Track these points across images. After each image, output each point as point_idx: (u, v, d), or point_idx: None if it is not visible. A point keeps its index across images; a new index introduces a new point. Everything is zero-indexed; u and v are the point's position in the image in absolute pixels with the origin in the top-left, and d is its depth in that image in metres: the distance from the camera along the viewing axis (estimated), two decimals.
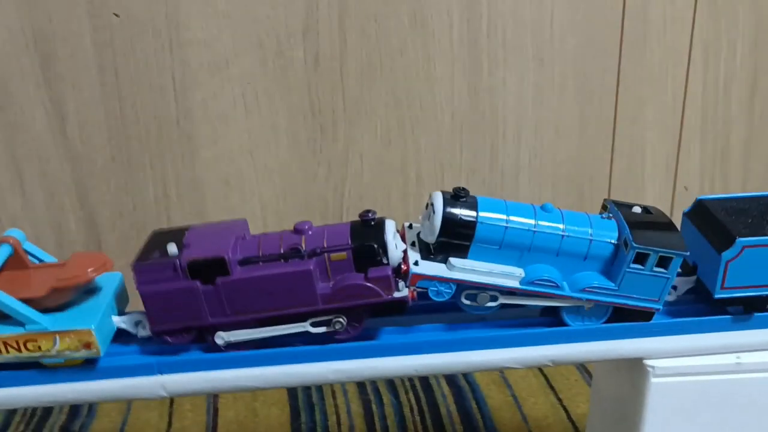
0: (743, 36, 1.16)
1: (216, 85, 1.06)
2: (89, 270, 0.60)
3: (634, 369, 0.65)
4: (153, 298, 0.59)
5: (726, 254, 0.61)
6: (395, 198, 1.17)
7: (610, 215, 0.64)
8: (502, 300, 0.62)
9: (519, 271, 0.61)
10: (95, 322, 0.58)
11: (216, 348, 0.62)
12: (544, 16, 1.10)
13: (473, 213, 0.60)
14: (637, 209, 0.64)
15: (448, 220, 0.59)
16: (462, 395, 1.08)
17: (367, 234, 0.60)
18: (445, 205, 0.60)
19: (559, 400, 1.06)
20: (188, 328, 0.61)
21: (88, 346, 0.58)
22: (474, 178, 1.18)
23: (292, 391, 1.10)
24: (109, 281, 0.64)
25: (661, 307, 0.62)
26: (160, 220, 1.12)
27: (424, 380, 1.11)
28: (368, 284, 0.59)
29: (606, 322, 0.63)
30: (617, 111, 1.18)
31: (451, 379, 1.12)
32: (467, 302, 0.62)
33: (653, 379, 0.63)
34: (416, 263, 0.60)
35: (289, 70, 1.07)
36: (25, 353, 0.59)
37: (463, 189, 0.61)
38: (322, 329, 0.61)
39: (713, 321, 0.64)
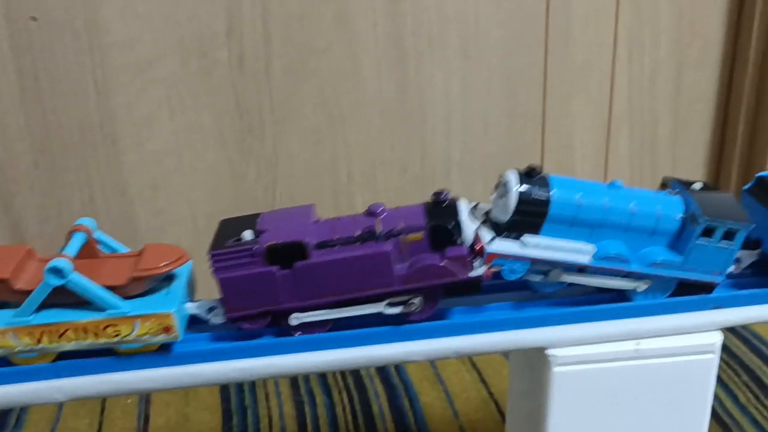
0: (666, 28, 1.17)
1: (139, 88, 1.05)
2: (167, 262, 0.60)
3: (538, 359, 0.65)
4: (231, 284, 0.59)
5: None
6: (327, 197, 1.17)
7: (675, 191, 0.65)
8: (570, 278, 0.62)
9: (591, 247, 0.62)
10: (174, 306, 0.58)
11: (289, 332, 0.62)
12: (468, 10, 1.10)
13: (547, 191, 0.60)
14: (697, 185, 0.65)
15: (523, 199, 0.60)
16: (395, 393, 1.08)
17: (441, 214, 0.60)
18: (518, 182, 0.60)
19: (491, 394, 1.06)
20: (265, 313, 0.61)
21: (167, 330, 0.58)
22: (406, 174, 1.18)
23: (224, 395, 1.09)
24: (180, 270, 0.64)
25: (723, 279, 0.64)
26: None
27: (358, 379, 1.11)
28: (445, 264, 0.59)
29: (670, 296, 0.64)
30: (545, 104, 1.18)
31: (384, 377, 1.11)
32: (537, 279, 0.62)
33: (555, 368, 0.63)
34: (490, 241, 0.61)
35: (213, 71, 1.07)
36: (102, 339, 0.58)
37: (536, 168, 0.61)
38: (398, 309, 0.61)
39: (615, 309, 0.65)
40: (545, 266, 0.62)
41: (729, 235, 0.62)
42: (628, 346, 0.63)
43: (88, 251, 0.62)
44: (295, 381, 1.11)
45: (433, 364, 1.13)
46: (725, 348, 1.15)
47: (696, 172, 1.29)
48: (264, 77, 1.08)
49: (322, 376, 1.12)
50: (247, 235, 0.60)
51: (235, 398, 1.08)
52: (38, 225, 1.09)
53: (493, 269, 0.61)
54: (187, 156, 1.10)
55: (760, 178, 0.68)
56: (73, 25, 1.01)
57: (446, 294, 0.61)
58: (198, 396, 1.08)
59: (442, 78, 1.13)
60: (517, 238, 0.61)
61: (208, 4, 1.03)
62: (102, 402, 1.07)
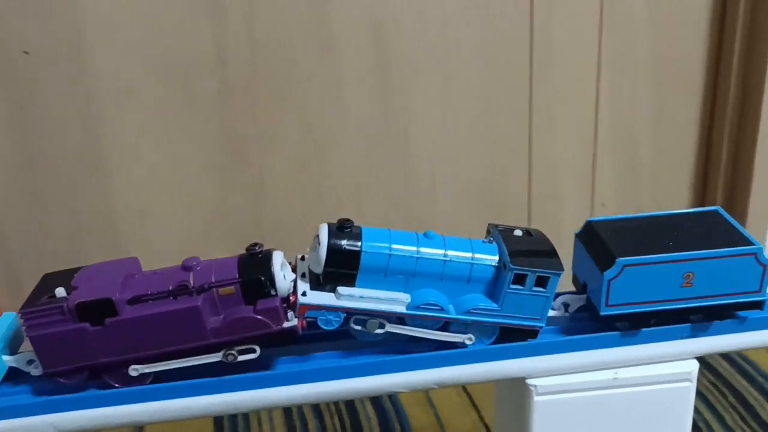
0: (645, 53, 1.19)
1: (124, 115, 1.06)
2: None
3: (520, 388, 0.65)
4: (43, 342, 0.60)
5: (607, 273, 0.63)
6: (313, 223, 1.16)
7: (491, 239, 0.66)
8: (389, 328, 0.63)
9: (405, 297, 0.63)
10: None
11: (108, 385, 0.62)
12: (450, 37, 1.11)
13: (357, 242, 0.62)
14: (518, 232, 0.66)
15: (333, 251, 0.62)
16: (386, 417, 1.08)
17: (254, 266, 0.61)
18: (329, 236, 0.62)
19: (481, 418, 1.07)
20: (81, 368, 0.61)
21: None
22: (391, 198, 1.19)
23: (218, 421, 1.09)
24: (1, 321, 0.64)
25: (543, 325, 0.64)
26: (75, 253, 1.10)
27: (350, 403, 1.11)
28: (257, 316, 0.60)
29: (493, 343, 0.65)
30: (531, 130, 1.19)
31: (376, 401, 1.12)
32: (357, 328, 0.63)
33: (536, 398, 0.64)
34: (304, 293, 0.62)
35: (199, 99, 1.07)
36: None
37: (348, 220, 0.63)
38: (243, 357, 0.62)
39: (596, 338, 0.66)
40: (363, 316, 0.63)
41: (541, 282, 0.62)
42: (607, 375, 0.64)
43: None
44: (287, 407, 1.11)
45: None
46: (712, 369, 1.16)
47: (681, 196, 1.30)
48: (249, 104, 1.09)
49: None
50: (60, 291, 0.60)
51: (228, 423, 1.08)
52: (24, 254, 1.09)
53: (308, 319, 0.62)
54: (173, 183, 1.11)
55: (588, 224, 0.69)
56: (59, 55, 1.01)
57: (265, 345, 0.62)
58: (193, 425, 1.08)
59: (425, 103, 1.14)
60: (333, 289, 0.63)
61: (194, 33, 1.04)
62: None
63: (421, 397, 1.12)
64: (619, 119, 1.22)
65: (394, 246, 0.63)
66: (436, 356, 0.64)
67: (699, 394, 1.09)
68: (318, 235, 0.63)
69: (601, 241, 0.66)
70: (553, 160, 1.22)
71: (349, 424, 1.07)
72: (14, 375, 0.64)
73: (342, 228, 0.63)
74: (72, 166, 1.06)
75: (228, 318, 0.60)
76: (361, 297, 0.62)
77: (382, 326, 0.63)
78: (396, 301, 0.62)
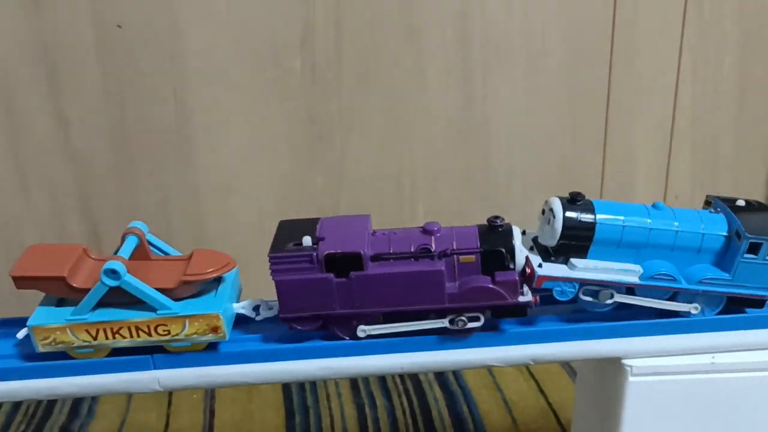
0: (731, 47, 1.18)
1: (214, 94, 1.09)
2: (214, 269, 0.63)
3: (613, 368, 0.66)
4: (287, 287, 0.62)
5: None
6: (390, 205, 1.19)
7: (718, 209, 0.67)
8: (618, 298, 0.64)
9: (637, 268, 0.64)
10: (222, 307, 0.62)
11: (335, 336, 0.64)
12: (535, 27, 1.13)
13: (591, 215, 0.63)
14: (741, 202, 0.67)
15: (569, 223, 0.63)
16: (453, 399, 1.09)
17: (495, 238, 0.62)
18: (564, 209, 0.63)
19: (549, 404, 1.08)
20: (316, 317, 0.63)
21: (215, 330, 0.62)
22: (468, 184, 1.20)
23: (287, 393, 1.12)
24: (226, 274, 0.67)
25: None
26: (160, 225, 1.14)
27: (417, 384, 1.13)
28: (495, 287, 0.61)
29: (719, 314, 0.66)
30: (608, 120, 1.20)
31: (443, 383, 1.13)
32: (587, 299, 0.65)
33: (631, 378, 0.65)
34: (540, 265, 0.64)
35: (286, 79, 1.10)
36: (154, 337, 0.62)
37: (579, 193, 0.64)
38: (457, 325, 0.63)
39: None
40: (594, 287, 0.64)
41: None
42: (705, 359, 0.65)
43: (141, 253, 0.65)
44: (355, 383, 1.13)
45: (490, 371, 1.15)
46: None
47: (756, 191, 1.29)
48: (335, 86, 1.11)
49: (382, 380, 1.14)
50: (307, 240, 0.62)
51: (297, 397, 1.11)
52: (113, 224, 1.13)
53: (542, 293, 0.63)
54: (258, 161, 1.13)
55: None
56: (154, 31, 1.05)
57: (494, 316, 0.64)
58: (261, 393, 1.11)
59: (507, 92, 1.15)
60: (565, 261, 0.64)
61: (284, 14, 1.06)
62: (168, 396, 1.11)
63: (488, 381, 1.13)
64: (700, 113, 1.22)
65: (627, 217, 0.64)
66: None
67: None
68: (551, 209, 0.64)
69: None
70: (629, 152, 1.22)
71: (416, 403, 1.09)
72: (237, 323, 0.66)
73: (574, 200, 0.64)
74: (162, 140, 1.10)
75: (466, 285, 0.62)
76: (596, 268, 0.64)
77: (611, 296, 0.64)
78: (629, 271, 0.64)
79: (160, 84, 1.07)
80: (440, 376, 1.15)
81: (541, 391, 1.11)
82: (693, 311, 0.65)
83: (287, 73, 1.10)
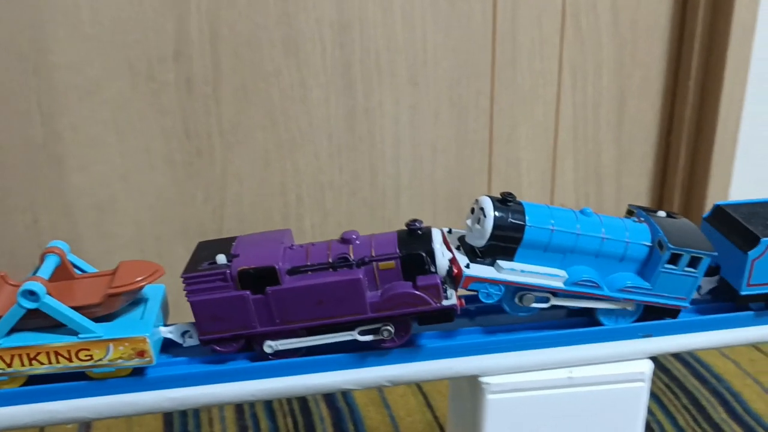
0: (607, 59, 1.20)
1: (85, 109, 1.05)
2: (142, 277, 0.60)
3: (473, 386, 0.66)
4: (203, 308, 0.60)
5: (752, 253, 0.65)
6: (276, 220, 1.17)
7: (641, 219, 0.67)
8: (554, 301, 0.64)
9: (562, 273, 0.64)
10: (149, 330, 0.58)
11: (263, 357, 0.62)
12: (416, 38, 1.12)
13: (523, 217, 0.62)
14: (662, 213, 0.68)
15: (500, 224, 0.62)
16: (340, 417, 1.08)
17: (414, 243, 0.61)
18: (494, 209, 0.62)
19: (436, 418, 1.07)
20: (237, 336, 0.61)
21: (141, 354, 0.58)
22: (355, 198, 1.19)
23: (167, 419, 1.08)
24: (152, 293, 0.64)
25: (688, 305, 0.66)
26: (31, 247, 1.09)
27: (303, 403, 1.11)
28: (417, 292, 0.59)
29: (636, 321, 0.66)
30: (492, 131, 1.20)
31: (330, 401, 1.11)
32: (514, 303, 0.64)
33: (489, 396, 0.64)
34: (468, 266, 0.62)
35: (161, 93, 1.06)
36: (75, 362, 0.58)
37: (510, 194, 0.63)
38: (369, 337, 0.61)
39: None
40: (522, 291, 0.63)
41: (693, 263, 0.64)
42: (562, 373, 0.65)
43: (63, 273, 0.62)
44: (239, 406, 1.10)
45: (379, 387, 1.13)
46: (666, 371, 1.18)
47: (639, 199, 1.32)
48: (213, 100, 1.09)
49: (267, 401, 1.11)
50: (221, 258, 0.60)
51: (178, 423, 1.07)
52: None
53: (467, 295, 0.63)
54: (134, 178, 1.09)
55: (718, 207, 0.71)
56: (18, 46, 1.00)
57: (419, 322, 0.62)
58: (141, 420, 1.07)
59: (390, 103, 1.14)
60: (491, 263, 0.63)
61: (156, 27, 1.03)
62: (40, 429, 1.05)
63: (376, 397, 1.12)
64: (581, 124, 1.24)
65: (556, 222, 0.63)
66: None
67: (652, 395, 1.11)
68: (482, 208, 0.62)
69: (737, 223, 0.68)
70: (514, 162, 1.23)
71: (302, 423, 1.07)
72: (164, 347, 0.63)
73: (505, 201, 0.62)
74: (30, 158, 1.05)
75: (387, 293, 0.60)
76: (522, 271, 0.63)
77: (539, 300, 0.63)
78: (554, 276, 0.63)
79: (25, 100, 1.02)
80: (327, 394, 1.13)
81: (429, 406, 1.10)
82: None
83: (161, 87, 1.06)
